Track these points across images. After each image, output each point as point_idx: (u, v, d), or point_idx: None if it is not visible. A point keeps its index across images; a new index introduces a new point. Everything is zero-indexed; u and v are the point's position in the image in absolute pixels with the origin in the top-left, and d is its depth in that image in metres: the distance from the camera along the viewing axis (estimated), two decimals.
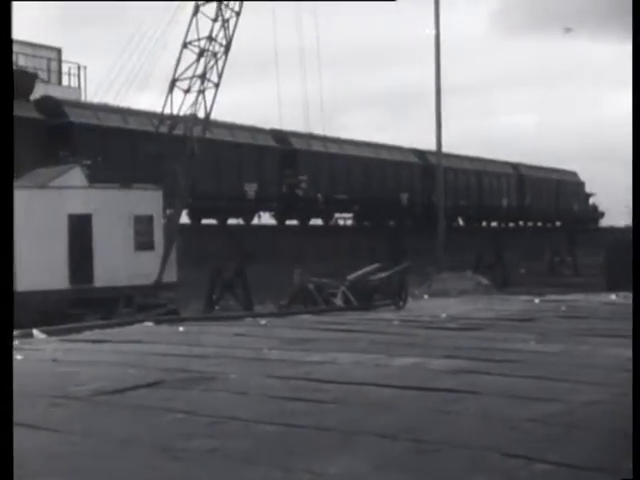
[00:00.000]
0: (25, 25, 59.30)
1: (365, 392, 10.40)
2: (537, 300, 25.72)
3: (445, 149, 42.26)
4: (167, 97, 25.87)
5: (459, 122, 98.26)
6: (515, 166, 55.66)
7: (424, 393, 10.30)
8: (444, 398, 9.94)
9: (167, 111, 26.03)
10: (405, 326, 18.83)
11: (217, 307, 25.44)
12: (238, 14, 25.91)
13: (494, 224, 54.53)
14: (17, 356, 14.35)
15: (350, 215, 42.95)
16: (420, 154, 46.05)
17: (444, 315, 21.09)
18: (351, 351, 14.04)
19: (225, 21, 25.89)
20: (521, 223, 56.50)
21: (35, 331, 17.40)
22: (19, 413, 9.36)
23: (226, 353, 14.11)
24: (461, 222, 51.18)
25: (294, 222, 38.02)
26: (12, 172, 5.67)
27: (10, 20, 5.69)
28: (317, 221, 39.45)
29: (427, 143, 44.66)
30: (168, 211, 24.94)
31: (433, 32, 37.65)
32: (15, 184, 22.06)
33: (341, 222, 43.76)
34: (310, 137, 35.53)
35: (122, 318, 20.82)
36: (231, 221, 34.50)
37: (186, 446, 7.89)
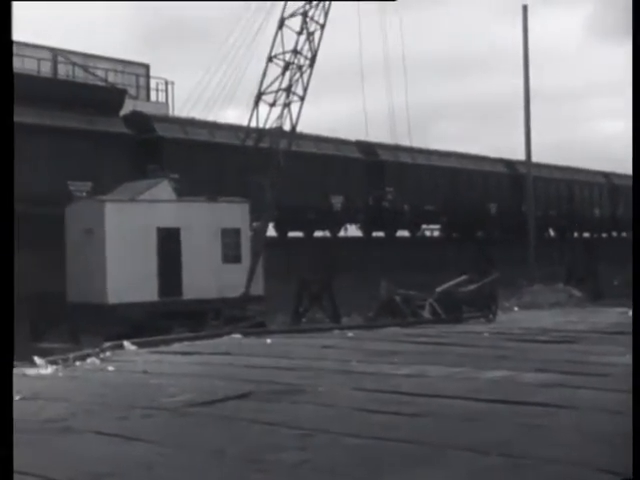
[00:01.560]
0: (115, 42, 60.66)
1: (454, 406, 10.21)
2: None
3: (535, 158, 41.64)
4: (253, 111, 26.10)
5: (549, 131, 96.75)
6: (607, 175, 54.42)
7: (515, 407, 10.05)
8: (535, 412, 9.68)
9: (253, 124, 26.25)
10: (495, 339, 18.49)
11: (304, 319, 25.44)
12: (323, 27, 25.98)
13: (586, 235, 53.37)
14: (109, 367, 14.60)
15: (437, 226, 42.58)
16: (509, 164, 45.40)
17: (535, 327, 20.66)
18: (440, 364, 13.84)
19: (310, 34, 25.98)
20: (614, 234, 55.16)
21: (126, 343, 17.64)
22: (113, 424, 9.52)
23: (314, 365, 14.05)
24: (552, 233, 50.24)
25: (381, 234, 37.86)
26: (12, 172, 5.66)
27: (10, 20, 5.67)
28: (404, 233, 39.20)
29: (516, 153, 44.08)
30: (255, 224, 25.08)
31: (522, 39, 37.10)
32: (105, 197, 22.55)
33: (428, 233, 43.41)
34: (396, 148, 35.35)
35: (210, 330, 20.97)
36: (317, 233, 34.52)
37: (275, 458, 7.85)
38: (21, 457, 7.95)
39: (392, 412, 9.80)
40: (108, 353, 16.61)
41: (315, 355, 15.63)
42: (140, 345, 17.59)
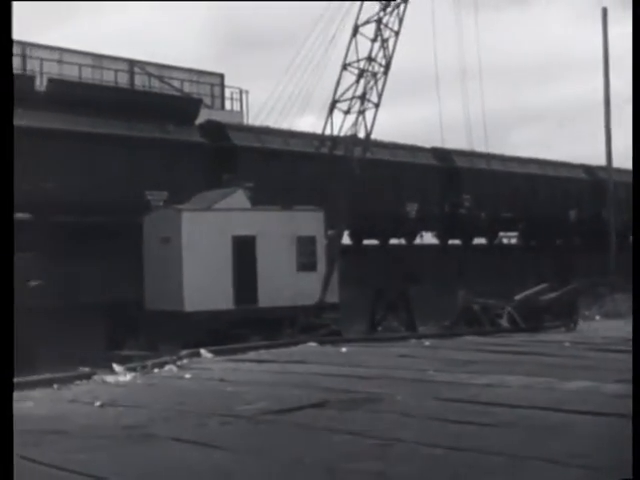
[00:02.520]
0: (190, 53, 61.44)
1: (534, 416, 9.97)
2: None
3: (616, 164, 40.76)
4: (327, 118, 26.07)
5: (630, 135, 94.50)
6: None
7: (596, 418, 9.78)
8: (618, 424, 9.38)
9: (327, 132, 26.23)
10: (576, 348, 18.09)
11: (380, 328, 25.29)
12: (397, 33, 25.84)
13: None
14: (186, 375, 14.69)
15: (515, 234, 41.95)
16: (588, 170, 44.51)
17: (617, 337, 20.16)
18: (519, 374, 13.56)
19: (384, 41, 25.86)
20: None
21: (202, 351, 17.74)
22: (191, 431, 9.54)
23: (390, 374, 13.91)
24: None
25: (457, 241, 37.47)
26: (12, 176, 5.65)
27: (10, 20, 5.65)
28: (481, 240, 38.72)
29: (597, 158, 43.22)
30: (329, 232, 25.03)
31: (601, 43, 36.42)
32: (182, 206, 22.77)
33: (506, 241, 42.79)
34: (473, 155, 34.98)
35: (286, 338, 20.98)
36: (392, 241, 34.33)
37: (352, 468, 7.76)
38: (101, 463, 8.03)
39: (470, 422, 9.61)
40: (185, 361, 16.72)
41: (391, 364, 15.48)
42: (216, 353, 17.67)
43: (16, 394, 12.46)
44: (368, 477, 7.48)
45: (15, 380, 13.19)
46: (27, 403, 11.87)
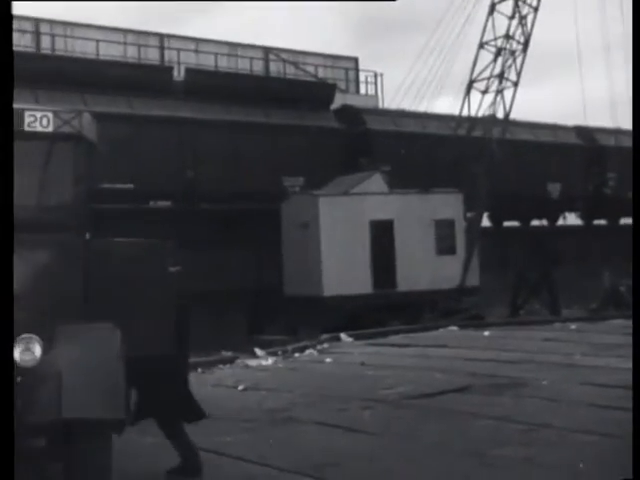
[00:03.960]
0: (323, 37, 61.70)
1: None
2: None
3: None
4: (464, 99, 25.62)
5: None
6: None
7: None
8: None
9: (465, 113, 25.77)
10: None
11: (522, 312, 24.71)
12: (536, 9, 25.11)
13: None
14: (327, 359, 14.72)
15: None
16: None
17: None
18: None
19: (522, 18, 25.18)
20: None
21: (342, 335, 17.76)
22: (333, 415, 9.50)
23: (535, 358, 13.53)
24: None
25: (602, 222, 36.27)
26: (12, 173, 5.54)
27: (10, 20, 5.54)
28: (627, 220, 37.34)
29: None
30: (469, 214, 24.59)
31: None
32: (319, 192, 22.82)
33: None
34: (618, 132, 33.72)
35: (426, 322, 20.75)
36: (534, 223, 33.49)
37: (499, 453, 7.55)
38: (245, 445, 8.07)
39: (623, 408, 9.17)
40: (325, 345, 16.78)
41: (536, 348, 15.06)
42: (356, 337, 17.66)
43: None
44: (516, 463, 7.25)
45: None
46: None
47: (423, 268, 22.51)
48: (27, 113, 6.61)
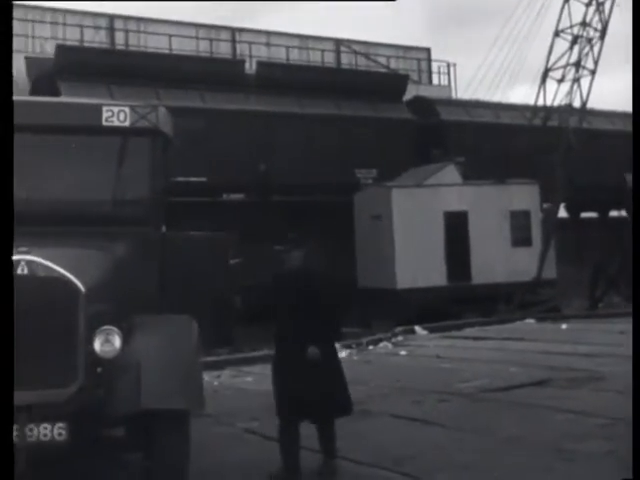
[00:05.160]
0: (396, 29, 61.40)
1: None
2: None
3: None
4: (540, 88, 25.19)
5: None
6: None
7: None
8: None
9: (540, 102, 25.35)
10: None
11: (600, 304, 24.24)
12: None
13: None
14: (401, 352, 14.66)
15: None
16: None
17: None
18: None
19: (600, 4, 24.64)
20: None
21: (417, 328, 17.67)
22: (409, 408, 9.44)
23: (614, 352, 13.22)
24: None
25: None
26: (12, 172, 5.51)
27: (11, 20, 5.48)
28: None
29: None
30: (545, 205, 24.19)
31: None
32: (392, 184, 22.70)
33: None
34: None
35: (502, 315, 20.50)
36: (613, 214, 32.84)
37: (579, 447, 7.40)
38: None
39: None
40: (400, 338, 16.71)
41: (615, 341, 14.72)
42: (431, 330, 17.55)
43: (236, 370, 12.86)
44: (597, 457, 7.10)
45: (237, 356, 13.62)
46: (247, 378, 12.17)
47: (498, 260, 22.23)
48: (104, 108, 6.69)
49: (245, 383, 11.87)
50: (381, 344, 15.90)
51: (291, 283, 6.98)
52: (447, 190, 22.40)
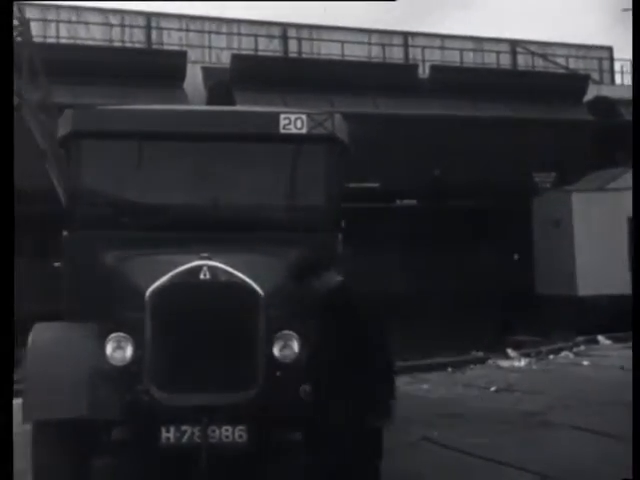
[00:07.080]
0: (575, 29, 59.54)
1: None
2: None
3: None
4: None
5: None
6: None
7: None
8: None
9: None
10: None
11: None
12: None
13: None
14: (583, 362, 14.13)
15: None
16: None
17: None
18: None
19: None
20: None
21: (600, 337, 17.01)
22: (590, 420, 9.05)
23: None
24: None
25: None
26: (12, 171, 5.30)
27: (11, 20, 5.28)
28: None
29: None
30: None
31: None
32: (572, 187, 21.97)
33: None
34: None
35: None
36: None
37: None
38: (501, 448, 7.85)
39: None
40: (582, 347, 16.14)
41: None
42: (615, 340, 16.83)
43: (411, 377, 12.74)
44: None
45: (410, 363, 13.51)
46: (423, 386, 12.05)
47: None
48: (282, 116, 6.76)
49: (421, 390, 11.75)
50: (562, 353, 15.39)
51: None
52: (631, 194, 21.43)
